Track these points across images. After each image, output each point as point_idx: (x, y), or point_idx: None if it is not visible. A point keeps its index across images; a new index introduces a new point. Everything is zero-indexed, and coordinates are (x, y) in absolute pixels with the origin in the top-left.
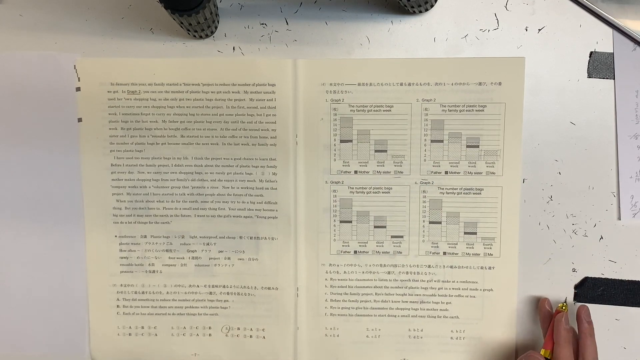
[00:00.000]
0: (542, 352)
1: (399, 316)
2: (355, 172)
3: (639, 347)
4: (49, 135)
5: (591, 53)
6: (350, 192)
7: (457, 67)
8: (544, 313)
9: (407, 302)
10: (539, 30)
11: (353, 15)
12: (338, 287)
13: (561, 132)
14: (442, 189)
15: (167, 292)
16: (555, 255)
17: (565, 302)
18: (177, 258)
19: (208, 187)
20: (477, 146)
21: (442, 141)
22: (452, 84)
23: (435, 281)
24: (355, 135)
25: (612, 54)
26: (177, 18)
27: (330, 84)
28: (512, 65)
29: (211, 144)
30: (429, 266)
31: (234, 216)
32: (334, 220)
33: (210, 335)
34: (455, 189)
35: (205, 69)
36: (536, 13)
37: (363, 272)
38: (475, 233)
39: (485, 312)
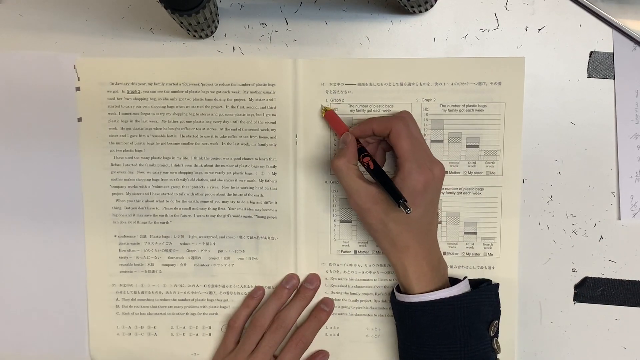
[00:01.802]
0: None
1: None
2: None
3: (639, 347)
4: (49, 135)
5: (591, 53)
6: None
7: (457, 67)
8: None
9: None
10: (539, 30)
11: (353, 15)
12: (338, 286)
13: (561, 132)
14: (442, 188)
15: (167, 292)
16: (555, 255)
17: (322, 106)
18: (177, 258)
19: (208, 187)
20: (477, 146)
21: (442, 141)
22: (452, 84)
23: None
24: None
25: (612, 54)
26: (177, 18)
27: (330, 84)
28: (512, 65)
29: (211, 143)
30: None
31: (233, 216)
32: (334, 220)
33: (210, 335)
34: (455, 188)
35: (205, 69)
36: (536, 13)
37: (363, 272)
38: (475, 233)
39: None
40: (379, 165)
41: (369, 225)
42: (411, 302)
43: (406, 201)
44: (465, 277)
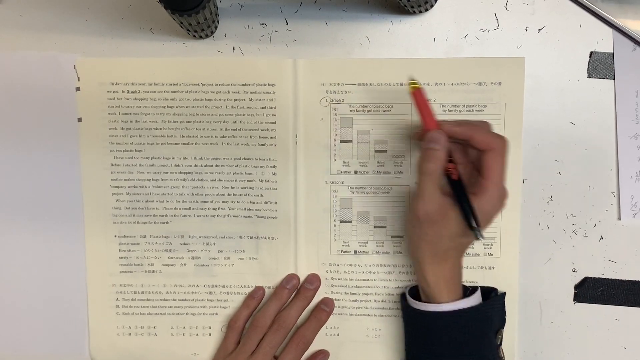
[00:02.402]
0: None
1: (399, 316)
2: (355, 172)
3: (639, 347)
4: (49, 135)
5: (591, 53)
6: (350, 192)
7: (457, 67)
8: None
9: None
10: (539, 30)
11: (353, 15)
12: (338, 286)
13: (561, 132)
14: None
15: (167, 292)
16: (555, 255)
17: (413, 79)
18: (177, 258)
19: (208, 187)
20: None
21: None
22: (452, 84)
23: None
24: (355, 135)
25: (612, 54)
26: (177, 18)
27: (330, 84)
28: (512, 65)
29: (211, 144)
30: None
31: (233, 216)
32: (334, 220)
33: (210, 335)
34: None
35: (205, 69)
36: (536, 13)
37: (363, 272)
38: None
39: None
40: (462, 177)
41: (422, 234)
42: (431, 312)
43: (480, 226)
44: (477, 288)
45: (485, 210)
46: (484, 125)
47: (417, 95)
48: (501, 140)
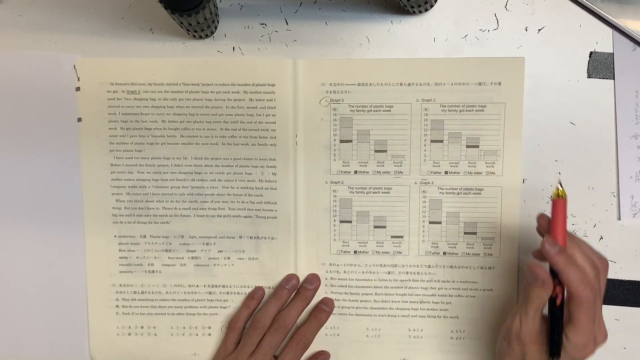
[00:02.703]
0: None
1: (399, 316)
2: (355, 172)
3: (639, 347)
4: (49, 135)
5: (591, 53)
6: (350, 192)
7: (457, 67)
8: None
9: (407, 302)
10: (539, 30)
11: (353, 15)
12: (338, 286)
13: (561, 132)
14: (442, 189)
15: (167, 292)
16: None
17: (561, 185)
18: (177, 258)
19: (208, 187)
20: (477, 146)
21: (442, 141)
22: (452, 84)
23: (435, 281)
24: (355, 136)
25: (612, 54)
26: (177, 18)
27: (330, 84)
28: (511, 65)
29: (211, 144)
30: (429, 266)
31: (233, 216)
32: (334, 220)
33: (210, 335)
34: (455, 189)
35: (205, 69)
36: (536, 13)
37: (363, 272)
38: (475, 233)
39: (485, 312)
40: (564, 306)
41: (509, 349)
42: None
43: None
44: None
45: (570, 354)
46: (604, 263)
47: (560, 206)
48: (587, 294)
